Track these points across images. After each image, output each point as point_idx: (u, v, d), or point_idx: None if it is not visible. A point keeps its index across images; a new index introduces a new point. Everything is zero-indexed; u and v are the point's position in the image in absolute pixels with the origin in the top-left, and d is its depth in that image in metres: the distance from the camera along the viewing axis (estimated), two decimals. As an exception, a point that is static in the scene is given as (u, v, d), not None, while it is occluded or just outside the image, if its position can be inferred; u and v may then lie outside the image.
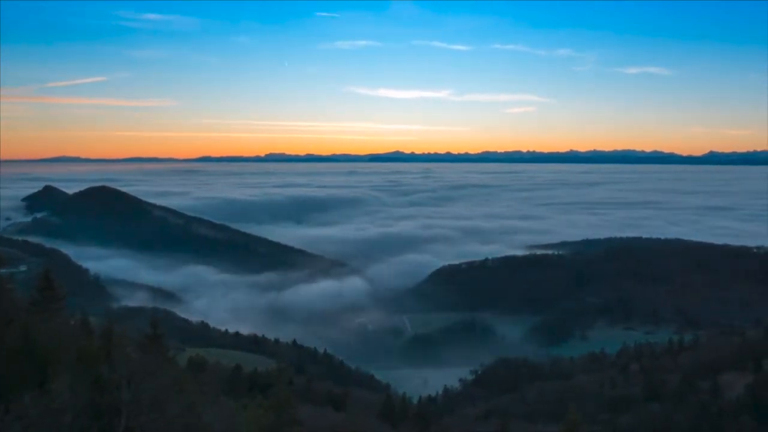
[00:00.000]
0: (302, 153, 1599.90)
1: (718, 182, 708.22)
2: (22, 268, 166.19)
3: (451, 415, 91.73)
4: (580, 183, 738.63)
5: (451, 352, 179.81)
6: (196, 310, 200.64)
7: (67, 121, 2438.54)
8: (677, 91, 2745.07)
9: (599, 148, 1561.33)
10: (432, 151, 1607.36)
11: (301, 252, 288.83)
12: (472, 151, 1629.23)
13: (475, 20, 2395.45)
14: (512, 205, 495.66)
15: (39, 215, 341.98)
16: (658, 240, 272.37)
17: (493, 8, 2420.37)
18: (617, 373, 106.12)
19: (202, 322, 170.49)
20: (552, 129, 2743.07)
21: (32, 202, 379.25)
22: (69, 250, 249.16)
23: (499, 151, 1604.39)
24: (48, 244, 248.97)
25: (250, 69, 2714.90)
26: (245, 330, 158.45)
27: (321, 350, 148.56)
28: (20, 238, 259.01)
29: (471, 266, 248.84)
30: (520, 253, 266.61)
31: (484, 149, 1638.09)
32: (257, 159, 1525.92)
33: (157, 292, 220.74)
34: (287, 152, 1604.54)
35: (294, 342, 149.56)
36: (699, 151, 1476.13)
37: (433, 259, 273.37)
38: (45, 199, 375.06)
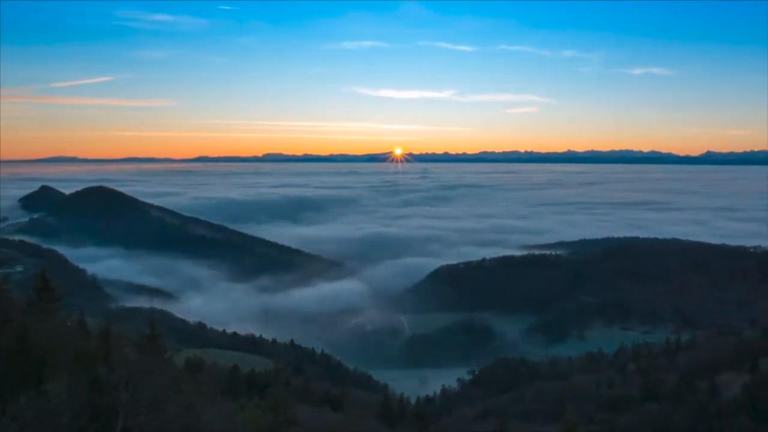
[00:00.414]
0: (300, 153, 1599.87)
1: (715, 182, 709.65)
2: (19, 268, 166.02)
3: (449, 415, 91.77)
4: (577, 183, 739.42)
5: (449, 352, 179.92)
6: (194, 310, 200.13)
7: (66, 121, 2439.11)
8: (676, 92, 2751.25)
9: (597, 148, 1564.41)
10: (430, 151, 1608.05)
11: (298, 252, 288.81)
12: (469, 151, 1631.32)
13: (482, 21, 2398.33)
14: (508, 205, 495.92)
15: (36, 215, 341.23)
16: (656, 240, 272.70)
17: (501, 9, 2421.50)
18: (615, 373, 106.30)
19: (200, 322, 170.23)
20: (552, 129, 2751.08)
21: (29, 203, 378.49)
22: (66, 250, 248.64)
23: (496, 151, 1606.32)
24: (45, 244, 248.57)
25: (254, 69, 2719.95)
26: (243, 330, 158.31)
27: (318, 350, 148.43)
28: (17, 239, 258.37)
29: (468, 266, 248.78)
30: (517, 253, 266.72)
31: (482, 149, 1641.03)
32: (255, 159, 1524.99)
33: (154, 292, 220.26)
34: (285, 152, 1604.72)
35: (291, 342, 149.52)
36: (696, 151, 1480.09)
37: (429, 260, 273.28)
38: (42, 200, 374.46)
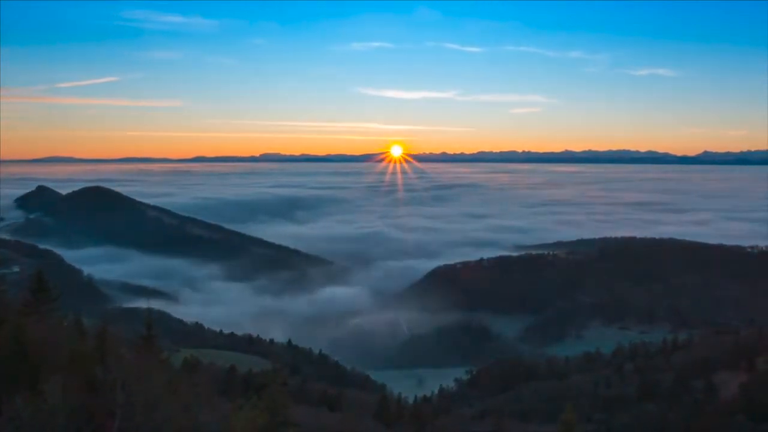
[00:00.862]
0: (298, 153, 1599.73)
1: (712, 182, 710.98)
2: (15, 268, 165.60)
3: (446, 415, 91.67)
4: (574, 183, 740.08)
5: (447, 352, 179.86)
6: (191, 310, 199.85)
7: (65, 121, 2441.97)
8: (676, 92, 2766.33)
9: (594, 148, 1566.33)
10: (428, 151, 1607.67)
11: (295, 252, 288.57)
12: (467, 151, 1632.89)
13: (491, 23, 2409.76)
14: (504, 205, 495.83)
15: (32, 215, 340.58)
16: (653, 240, 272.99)
17: (510, 11, 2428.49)
18: (612, 372, 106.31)
19: (197, 322, 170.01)
20: (553, 129, 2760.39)
21: (25, 203, 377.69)
22: (62, 250, 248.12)
23: (494, 151, 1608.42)
24: (41, 244, 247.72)
25: (261, 71, 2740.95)
26: (240, 330, 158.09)
27: (316, 351, 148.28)
28: (13, 239, 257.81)
29: (466, 266, 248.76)
30: (514, 253, 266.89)
31: (480, 149, 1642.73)
32: (252, 159, 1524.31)
33: (151, 292, 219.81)
34: (282, 152, 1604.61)
35: (289, 342, 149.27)
36: (693, 151, 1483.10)
37: (425, 260, 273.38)
38: (38, 200, 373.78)
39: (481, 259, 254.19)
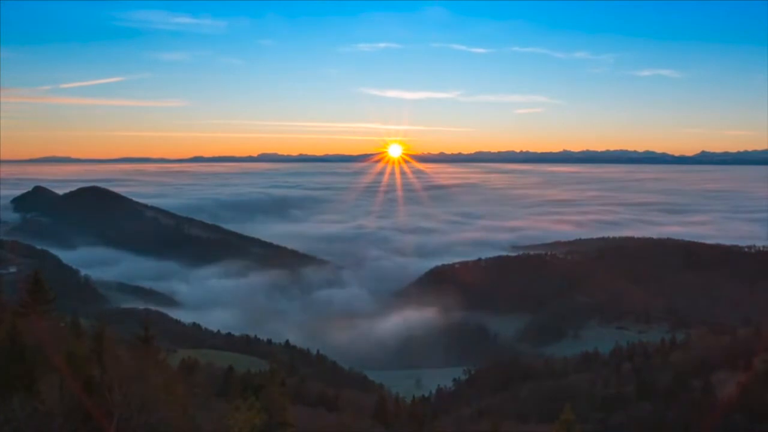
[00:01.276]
0: (295, 153, 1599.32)
1: (709, 182, 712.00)
2: (12, 269, 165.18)
3: (444, 415, 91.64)
4: (571, 183, 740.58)
5: (445, 352, 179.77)
6: (188, 311, 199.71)
7: (63, 121, 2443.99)
8: (676, 93, 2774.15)
9: (592, 149, 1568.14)
10: (426, 151, 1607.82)
11: (292, 252, 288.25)
12: (465, 152, 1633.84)
13: (498, 23, 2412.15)
14: (501, 204, 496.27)
15: (29, 216, 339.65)
16: (650, 239, 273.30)
17: (518, 11, 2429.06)
18: (610, 372, 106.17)
19: (194, 323, 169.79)
20: (553, 130, 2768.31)
21: (22, 203, 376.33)
22: (59, 251, 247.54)
23: (492, 151, 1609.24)
24: (38, 245, 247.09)
25: (267, 71, 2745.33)
26: (237, 331, 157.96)
27: (314, 351, 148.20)
28: (10, 239, 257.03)
29: (464, 266, 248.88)
30: (512, 253, 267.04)
31: (478, 149, 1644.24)
32: (250, 159, 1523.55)
33: (148, 293, 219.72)
34: (280, 152, 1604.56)
35: (287, 343, 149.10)
36: (691, 151, 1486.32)
37: (422, 259, 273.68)
38: (35, 200, 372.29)
39: (479, 259, 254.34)
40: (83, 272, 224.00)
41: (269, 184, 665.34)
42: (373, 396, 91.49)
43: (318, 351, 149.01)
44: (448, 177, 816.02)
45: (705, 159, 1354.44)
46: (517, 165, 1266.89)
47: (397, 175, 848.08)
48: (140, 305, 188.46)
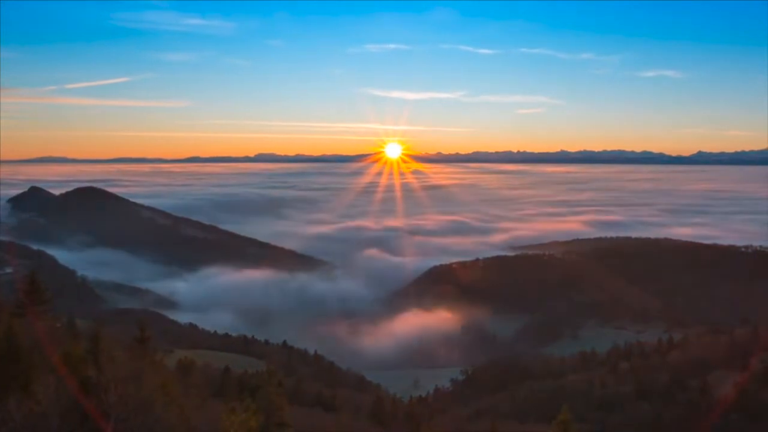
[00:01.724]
0: (292, 153, 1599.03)
1: (706, 182, 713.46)
2: (8, 270, 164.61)
3: (442, 415, 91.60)
4: (568, 182, 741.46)
5: (442, 352, 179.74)
6: (185, 311, 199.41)
7: (62, 121, 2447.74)
8: (676, 93, 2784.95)
9: (589, 149, 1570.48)
10: (424, 152, 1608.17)
11: (289, 252, 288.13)
12: (462, 152, 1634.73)
13: (506, 24, 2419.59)
14: (497, 204, 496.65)
15: (25, 216, 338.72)
16: (648, 239, 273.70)
17: (528, 10, 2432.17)
18: (607, 372, 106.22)
19: (191, 323, 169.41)
20: (553, 130, 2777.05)
21: (18, 203, 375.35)
22: (56, 251, 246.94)
23: (490, 151, 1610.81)
24: (34, 245, 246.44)
25: (274, 72, 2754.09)
26: (234, 331, 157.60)
27: (311, 351, 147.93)
28: (6, 240, 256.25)
29: (461, 266, 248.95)
30: (510, 253, 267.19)
31: (476, 150, 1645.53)
32: (246, 159, 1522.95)
33: (145, 293, 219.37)
34: (277, 152, 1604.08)
35: (284, 343, 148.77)
36: (688, 151, 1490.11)
37: (419, 259, 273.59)
38: (31, 200, 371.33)
39: (477, 259, 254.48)
40: (80, 273, 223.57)
41: (266, 184, 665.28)
42: (370, 396, 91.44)
43: (315, 351, 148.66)
44: (445, 177, 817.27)
45: (702, 159, 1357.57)
46: (514, 165, 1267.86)
47: (395, 176, 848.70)
48: (137, 306, 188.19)
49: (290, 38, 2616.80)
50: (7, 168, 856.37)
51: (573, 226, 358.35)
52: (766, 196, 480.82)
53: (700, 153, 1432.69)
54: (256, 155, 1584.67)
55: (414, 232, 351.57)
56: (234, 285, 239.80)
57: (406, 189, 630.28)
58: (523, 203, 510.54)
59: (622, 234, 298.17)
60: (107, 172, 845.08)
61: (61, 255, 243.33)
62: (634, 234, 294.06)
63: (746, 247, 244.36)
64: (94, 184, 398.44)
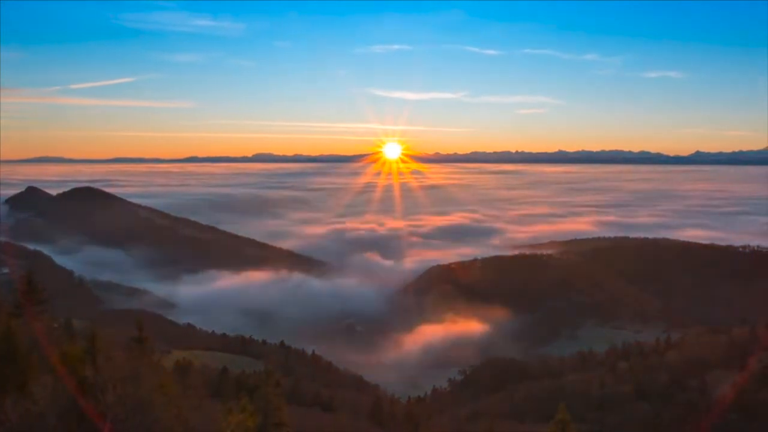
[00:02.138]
0: (290, 153, 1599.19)
1: (704, 182, 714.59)
2: (5, 270, 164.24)
3: (440, 415, 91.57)
4: (566, 182, 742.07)
5: (440, 352, 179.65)
6: (183, 311, 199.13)
7: (61, 121, 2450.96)
8: (676, 94, 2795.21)
9: (587, 149, 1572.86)
10: (423, 152, 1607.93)
11: (287, 252, 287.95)
12: (460, 152, 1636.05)
13: (513, 26, 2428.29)
14: (494, 204, 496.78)
15: (22, 216, 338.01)
16: (646, 239, 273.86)
17: (534, 14, 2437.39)
18: (606, 372, 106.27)
19: (189, 324, 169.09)
20: (552, 130, 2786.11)
21: (15, 203, 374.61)
22: (53, 252, 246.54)
23: (488, 151, 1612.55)
24: (31, 246, 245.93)
25: (279, 73, 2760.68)
26: (233, 331, 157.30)
27: (309, 351, 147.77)
28: (3, 240, 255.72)
29: (460, 266, 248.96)
30: (508, 253, 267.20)
31: (474, 150, 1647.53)
32: (244, 159, 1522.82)
33: (142, 294, 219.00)
34: (275, 152, 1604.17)
35: (282, 343, 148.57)
36: (686, 151, 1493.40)
37: (417, 259, 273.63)
38: (28, 200, 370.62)
39: (475, 259, 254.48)
40: (77, 273, 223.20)
41: (264, 184, 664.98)
42: (369, 396, 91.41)
43: (313, 351, 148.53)
44: (444, 177, 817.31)
45: (700, 159, 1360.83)
46: (512, 165, 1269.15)
47: (393, 176, 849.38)
48: (134, 306, 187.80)
49: (297, 39, 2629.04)
50: (4, 168, 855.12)
51: (571, 226, 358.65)
52: (765, 195, 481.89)
53: (698, 153, 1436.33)
54: (253, 155, 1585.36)
55: (412, 232, 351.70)
56: (232, 285, 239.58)
57: (405, 189, 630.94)
58: (521, 203, 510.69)
59: (620, 234, 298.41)
60: (105, 172, 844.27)
61: (58, 255, 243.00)
62: (632, 234, 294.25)
63: (744, 247, 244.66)
64: (92, 184, 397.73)
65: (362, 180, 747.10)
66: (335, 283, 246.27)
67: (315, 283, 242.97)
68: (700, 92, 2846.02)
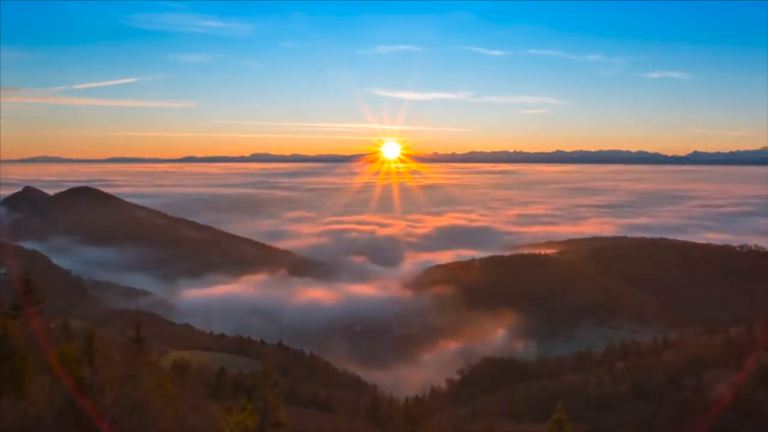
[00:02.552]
0: (288, 153, 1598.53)
1: (702, 181, 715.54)
2: (2, 270, 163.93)
3: (438, 415, 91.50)
4: (564, 182, 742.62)
5: (439, 352, 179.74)
6: (180, 312, 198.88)
7: (60, 121, 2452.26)
8: (678, 94, 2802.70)
9: (585, 149, 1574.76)
10: (422, 152, 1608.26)
11: (285, 253, 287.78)
12: (459, 152, 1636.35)
13: (519, 27, 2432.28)
14: (494, 204, 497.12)
15: (19, 216, 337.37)
16: (643, 239, 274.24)
17: (542, 12, 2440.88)
18: (603, 371, 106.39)
19: (186, 324, 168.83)
20: (552, 130, 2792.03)
21: (12, 203, 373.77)
22: (50, 252, 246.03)
23: (486, 151, 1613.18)
24: (28, 246, 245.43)
25: (284, 74, 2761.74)
26: (231, 332, 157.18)
27: (307, 351, 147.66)
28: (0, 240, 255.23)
29: (458, 266, 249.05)
30: (506, 253, 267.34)
31: (473, 149, 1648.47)
32: (242, 159, 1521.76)
33: (140, 294, 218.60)
34: (273, 152, 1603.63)
35: (280, 343, 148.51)
36: (684, 151, 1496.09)
37: (416, 259, 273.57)
38: (25, 200, 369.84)
39: (473, 259, 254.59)
40: (74, 273, 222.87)
41: (262, 184, 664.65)
42: (366, 396, 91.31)
43: (311, 351, 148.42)
44: (442, 177, 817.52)
45: (698, 159, 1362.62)
46: (510, 165, 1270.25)
47: (392, 175, 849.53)
48: (132, 306, 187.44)
49: (303, 40, 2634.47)
50: (2, 168, 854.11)
51: (569, 226, 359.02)
52: (762, 195, 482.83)
53: (696, 153, 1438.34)
54: (251, 155, 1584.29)
55: (410, 231, 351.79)
56: (229, 285, 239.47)
57: (402, 188, 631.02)
58: (518, 203, 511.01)
59: (617, 234, 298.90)
60: (102, 172, 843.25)
61: (55, 255, 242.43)
62: (630, 234, 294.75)
63: (741, 246, 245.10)
64: (89, 184, 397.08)
65: (361, 180, 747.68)
66: (333, 282, 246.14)
67: (313, 284, 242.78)
68: (699, 92, 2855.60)
